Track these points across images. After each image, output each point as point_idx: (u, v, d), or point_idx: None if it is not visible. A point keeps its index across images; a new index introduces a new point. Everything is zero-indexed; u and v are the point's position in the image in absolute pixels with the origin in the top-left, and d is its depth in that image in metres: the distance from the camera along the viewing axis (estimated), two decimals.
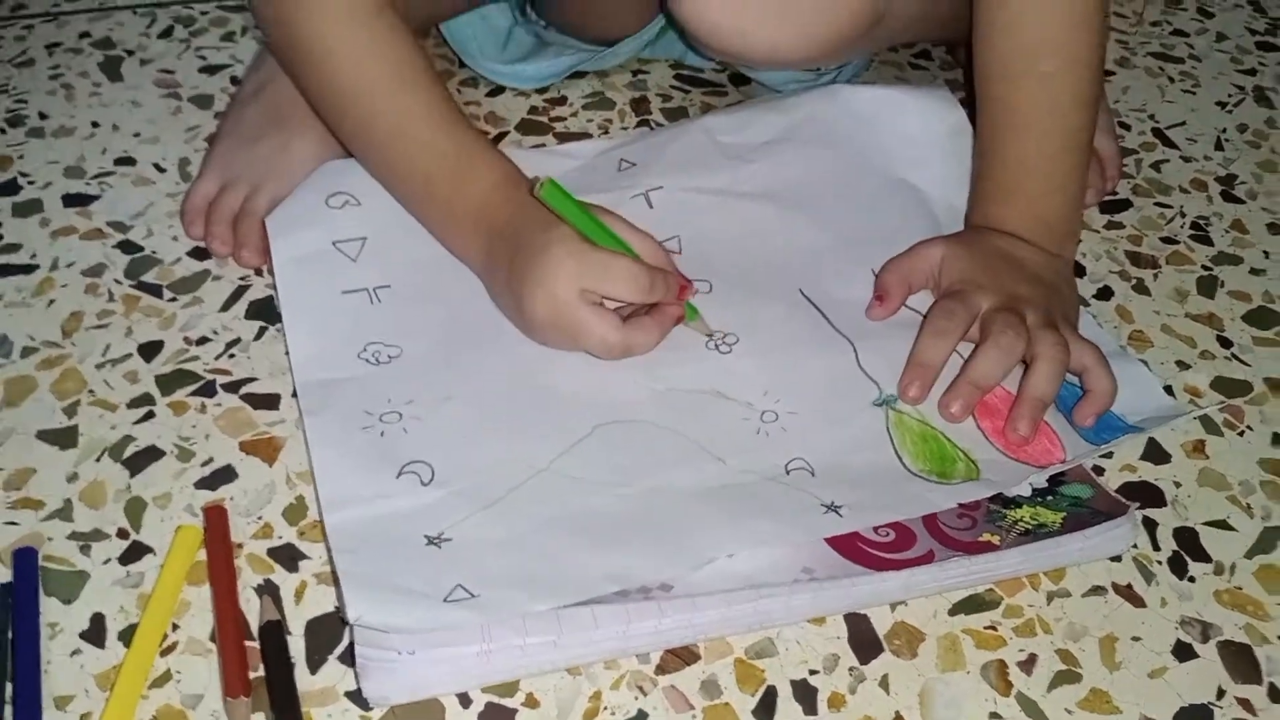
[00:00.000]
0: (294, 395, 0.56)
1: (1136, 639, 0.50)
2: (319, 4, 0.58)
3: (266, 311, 0.62)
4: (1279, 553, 0.54)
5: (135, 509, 0.52)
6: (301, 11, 0.58)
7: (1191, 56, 0.87)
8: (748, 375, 0.58)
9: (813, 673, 0.48)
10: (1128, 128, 0.80)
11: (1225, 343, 0.64)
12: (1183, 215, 0.73)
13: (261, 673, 0.46)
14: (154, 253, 0.65)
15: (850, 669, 0.48)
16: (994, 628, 0.50)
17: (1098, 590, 0.51)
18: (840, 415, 0.56)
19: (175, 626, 0.48)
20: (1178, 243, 0.71)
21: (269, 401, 0.57)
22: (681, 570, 0.48)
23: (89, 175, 0.70)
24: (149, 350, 0.60)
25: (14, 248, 0.65)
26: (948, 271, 0.60)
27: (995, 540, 0.50)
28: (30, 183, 0.70)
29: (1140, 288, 0.67)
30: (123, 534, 0.51)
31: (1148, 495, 0.56)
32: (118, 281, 0.63)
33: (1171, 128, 0.80)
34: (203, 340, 0.60)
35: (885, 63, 0.84)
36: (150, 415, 0.56)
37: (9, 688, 0.45)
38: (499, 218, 0.57)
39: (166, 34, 0.83)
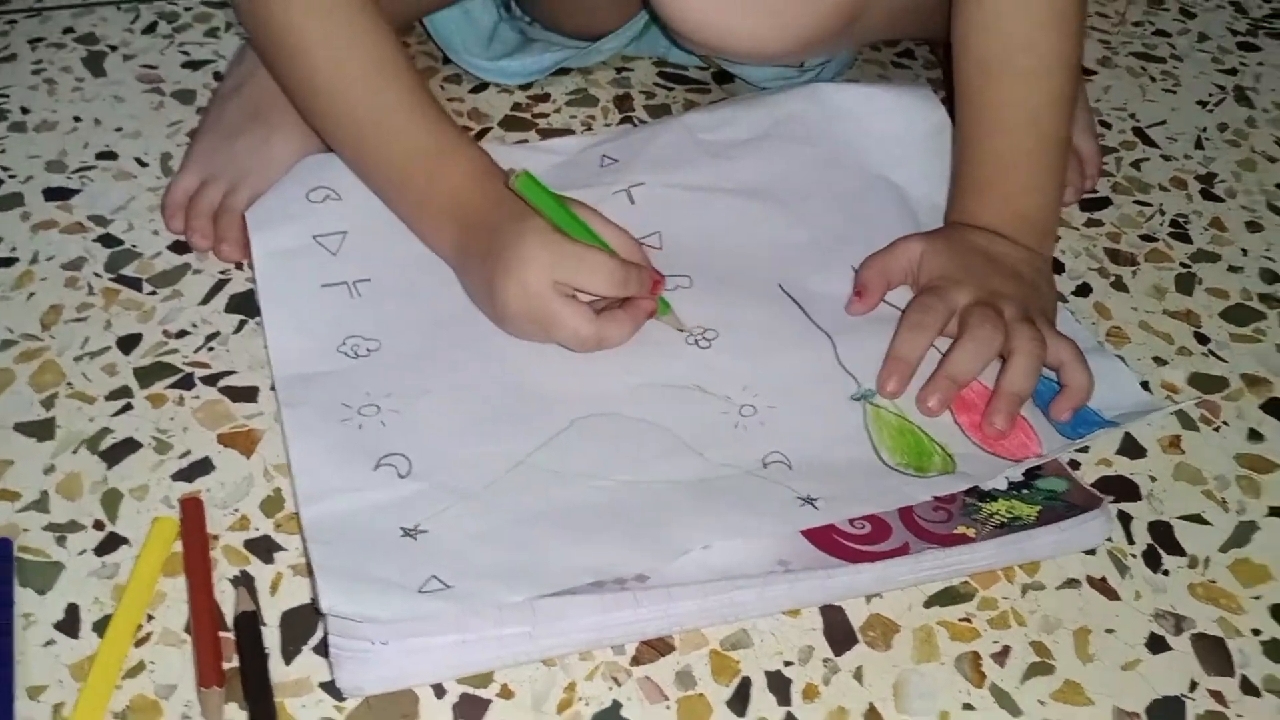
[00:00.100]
0: (272, 388, 0.56)
1: (1110, 631, 0.50)
2: None
3: (246, 305, 0.62)
4: (1253, 546, 0.54)
5: (111, 500, 0.52)
6: (281, 5, 0.58)
7: (1173, 56, 0.88)
8: (727, 370, 0.58)
9: (787, 664, 0.48)
10: (1108, 126, 0.80)
11: (1202, 339, 0.65)
12: (1162, 213, 0.73)
13: (236, 663, 0.46)
14: (134, 246, 0.65)
15: (825, 660, 0.48)
16: (968, 620, 0.50)
17: (1072, 583, 0.52)
18: (818, 409, 0.56)
19: (150, 617, 0.48)
20: (1156, 240, 0.71)
21: (247, 394, 0.57)
22: (657, 562, 0.48)
23: (70, 169, 0.70)
24: (128, 343, 0.60)
25: None
26: (927, 267, 0.60)
27: (970, 533, 0.51)
28: (11, 176, 0.70)
29: (1119, 285, 0.68)
30: (99, 525, 0.51)
31: (1123, 489, 0.56)
32: (97, 275, 0.63)
33: (1152, 126, 0.80)
34: (182, 333, 0.60)
35: (868, 61, 0.84)
36: (128, 408, 0.56)
37: None
38: (473, 209, 0.57)
39: (150, 29, 0.83)
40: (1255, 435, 0.59)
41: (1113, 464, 0.57)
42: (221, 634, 0.47)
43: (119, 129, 0.73)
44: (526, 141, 0.74)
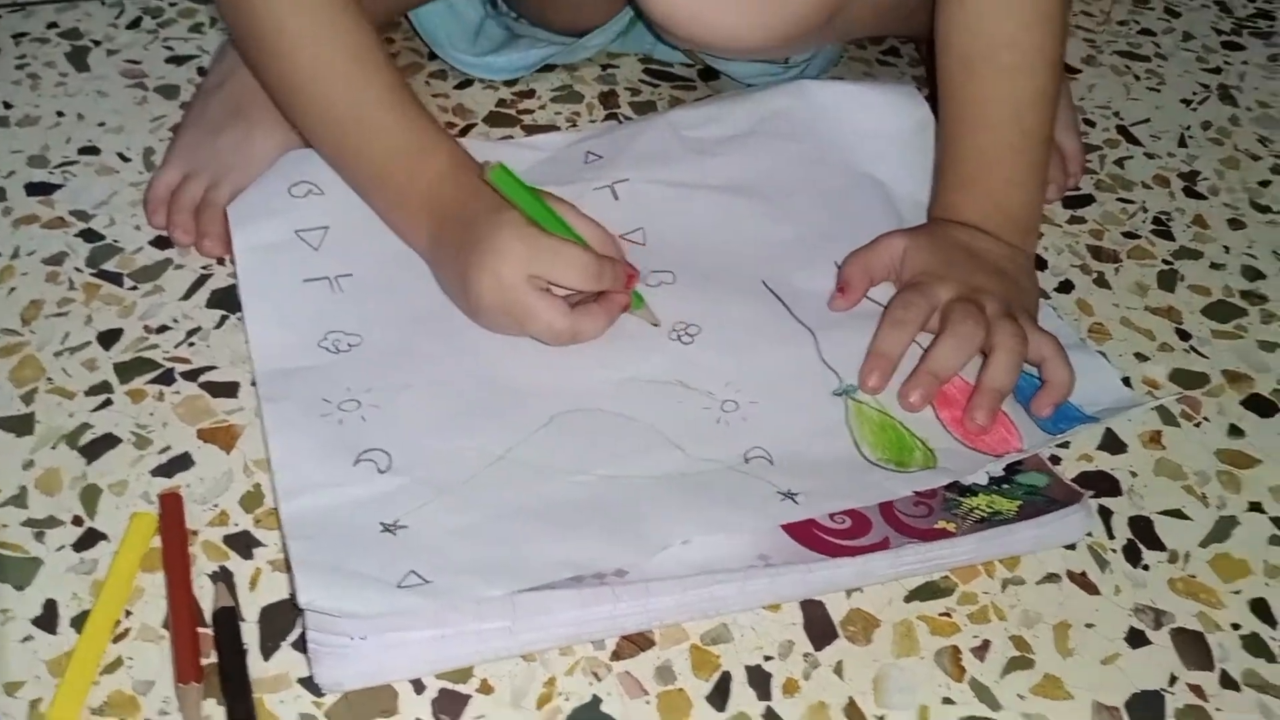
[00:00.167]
0: (253, 384, 0.56)
1: (1090, 626, 0.50)
2: None
3: (228, 300, 0.62)
4: (1233, 541, 0.54)
5: (90, 496, 0.52)
6: (262, 1, 0.58)
7: (1158, 55, 0.88)
8: (710, 365, 0.58)
9: (767, 659, 0.48)
10: (1093, 125, 0.80)
11: (1184, 335, 0.65)
12: (1145, 210, 0.73)
13: (214, 659, 0.46)
14: (116, 241, 0.65)
15: (805, 655, 0.48)
16: (948, 614, 0.50)
17: (1052, 578, 0.52)
18: (800, 405, 0.56)
19: (128, 613, 0.48)
20: (1139, 237, 0.71)
21: (228, 390, 0.57)
22: (637, 557, 0.48)
23: (53, 164, 0.70)
24: (108, 338, 0.59)
25: None
26: (909, 263, 0.60)
27: (951, 528, 0.51)
28: None
29: (1101, 281, 0.68)
30: (78, 521, 0.51)
31: (1104, 484, 0.56)
32: (78, 270, 0.63)
33: (1136, 124, 0.81)
34: (163, 328, 0.60)
35: (854, 59, 0.84)
36: (108, 403, 0.56)
37: None
38: (448, 201, 0.57)
39: (134, 25, 0.82)
40: (1236, 431, 0.59)
41: (1094, 459, 0.57)
42: (200, 630, 0.47)
43: (102, 124, 0.73)
44: (511, 138, 0.74)
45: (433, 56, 0.79)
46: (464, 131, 0.75)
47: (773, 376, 0.57)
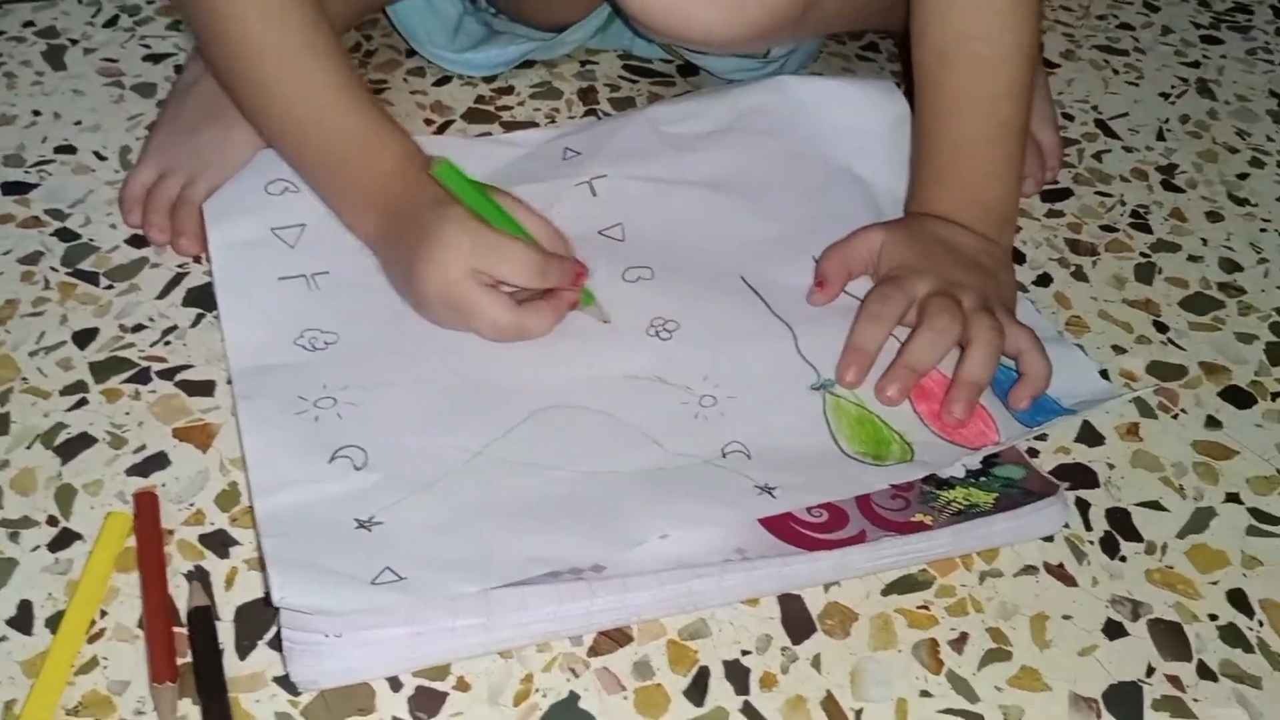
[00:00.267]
0: (229, 382, 0.56)
1: (1067, 617, 0.50)
2: None
3: (204, 299, 0.61)
4: (1210, 533, 0.54)
5: (65, 496, 0.52)
6: (226, 4, 0.57)
7: (1136, 49, 0.88)
8: (688, 361, 0.58)
9: (745, 653, 0.48)
10: (1071, 119, 0.80)
11: (1161, 328, 0.65)
12: (1123, 204, 0.73)
13: (190, 659, 0.46)
14: (91, 240, 0.65)
15: (783, 649, 0.48)
16: (926, 607, 0.50)
17: (1029, 570, 0.52)
18: (778, 399, 0.56)
19: (103, 613, 0.48)
20: (1117, 230, 0.71)
21: (204, 388, 0.57)
22: (613, 552, 0.48)
23: (28, 163, 0.70)
24: (83, 338, 0.59)
25: None
26: (887, 257, 0.61)
27: (928, 521, 0.51)
28: None
29: (1079, 274, 0.68)
30: (52, 521, 0.51)
31: (1081, 477, 0.56)
32: (54, 269, 0.63)
33: (1114, 118, 0.81)
34: (138, 327, 0.60)
35: (833, 54, 0.84)
36: (83, 402, 0.56)
37: None
38: (396, 195, 0.57)
39: (111, 23, 0.82)
40: (1213, 422, 0.60)
41: (1071, 451, 0.57)
42: (175, 629, 0.47)
43: (78, 122, 0.73)
44: (490, 134, 0.74)
45: (411, 53, 0.79)
46: (443, 128, 0.74)
47: (751, 371, 0.57)
